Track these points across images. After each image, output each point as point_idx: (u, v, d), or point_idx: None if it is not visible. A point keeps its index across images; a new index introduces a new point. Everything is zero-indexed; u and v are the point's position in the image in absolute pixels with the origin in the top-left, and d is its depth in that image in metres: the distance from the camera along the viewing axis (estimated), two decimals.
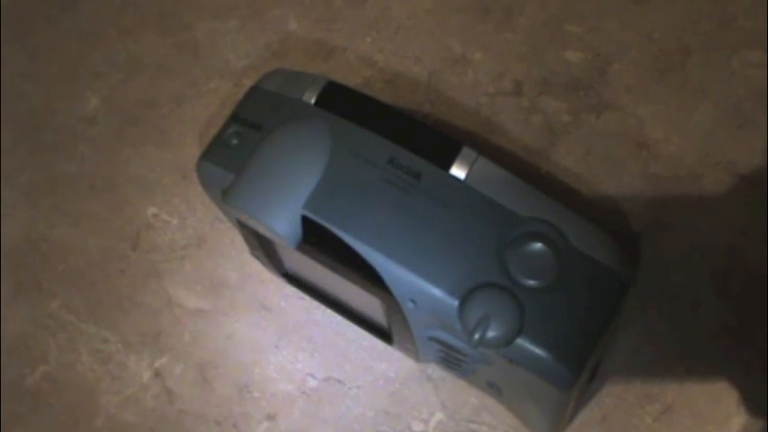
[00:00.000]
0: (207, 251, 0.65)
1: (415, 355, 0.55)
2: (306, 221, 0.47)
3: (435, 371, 0.59)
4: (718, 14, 0.68)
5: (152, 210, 0.66)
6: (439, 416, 0.58)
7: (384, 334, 0.56)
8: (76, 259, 0.66)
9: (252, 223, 0.49)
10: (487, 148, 0.64)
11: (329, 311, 0.60)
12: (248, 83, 0.57)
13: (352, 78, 0.68)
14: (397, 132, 0.48)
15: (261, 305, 0.63)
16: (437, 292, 0.45)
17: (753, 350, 0.58)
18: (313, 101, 0.50)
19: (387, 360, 0.60)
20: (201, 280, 0.64)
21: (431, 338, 0.49)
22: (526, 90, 0.66)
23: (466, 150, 0.47)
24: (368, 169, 0.47)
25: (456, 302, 0.45)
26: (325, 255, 0.47)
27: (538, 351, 0.44)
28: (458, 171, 0.47)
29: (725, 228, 0.61)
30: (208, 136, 0.64)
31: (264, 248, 0.54)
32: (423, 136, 0.48)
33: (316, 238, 0.47)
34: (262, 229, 0.49)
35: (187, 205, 0.66)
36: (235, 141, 0.50)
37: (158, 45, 0.73)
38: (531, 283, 0.45)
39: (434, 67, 0.68)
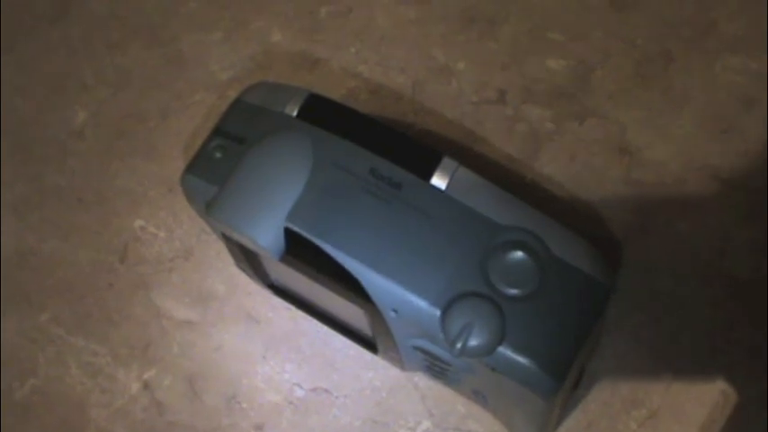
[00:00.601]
0: (194, 263, 0.65)
1: (401, 364, 0.56)
2: (289, 233, 0.47)
3: (422, 379, 0.59)
4: (700, 20, 0.68)
5: (139, 222, 0.67)
6: (426, 424, 0.59)
7: (369, 344, 0.56)
8: (65, 272, 0.66)
9: (235, 236, 0.49)
10: (472, 157, 0.65)
11: (316, 321, 0.60)
12: (233, 94, 0.57)
13: (336, 89, 0.68)
14: (379, 143, 0.48)
15: (248, 316, 0.63)
16: (419, 301, 0.45)
17: (738, 354, 0.58)
18: (295, 113, 0.50)
19: (373, 369, 0.60)
20: (189, 292, 0.64)
21: (415, 348, 0.49)
22: (510, 98, 0.67)
23: (446, 160, 0.48)
24: (349, 180, 0.47)
25: (438, 312, 0.45)
26: (309, 266, 0.48)
27: (520, 359, 0.44)
28: (438, 181, 0.47)
29: (709, 232, 0.62)
30: (193, 148, 0.64)
31: (249, 260, 0.55)
32: (404, 147, 0.49)
33: (299, 250, 0.47)
34: (245, 242, 0.49)
35: (174, 218, 0.66)
36: (218, 154, 0.51)
37: (145, 58, 0.73)
38: (513, 291, 0.45)
39: (418, 77, 0.68)
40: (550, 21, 0.69)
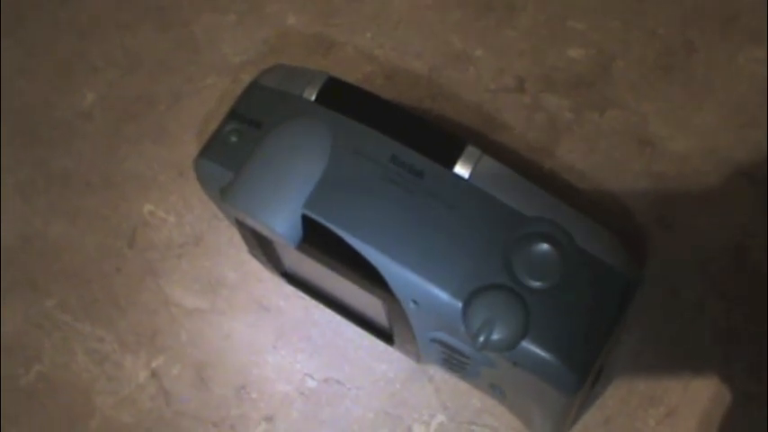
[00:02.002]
0: (204, 249, 0.64)
1: (416, 356, 0.54)
2: (306, 221, 0.46)
3: (437, 372, 0.58)
4: (722, 10, 0.67)
5: (149, 207, 0.66)
6: (440, 418, 0.58)
7: (385, 335, 0.55)
8: (72, 257, 0.65)
9: (251, 222, 0.48)
10: (489, 145, 0.63)
11: (328, 311, 0.59)
12: (246, 78, 0.56)
13: (351, 74, 0.67)
14: (400, 130, 0.47)
15: (259, 305, 0.62)
16: (440, 293, 0.44)
17: (757, 351, 0.57)
18: (313, 97, 0.49)
19: (387, 361, 0.59)
20: (199, 279, 0.63)
21: (433, 340, 0.48)
22: (528, 87, 0.66)
23: (470, 148, 0.46)
24: (369, 167, 0.46)
25: (460, 304, 0.44)
26: (326, 254, 0.47)
27: (543, 354, 0.43)
28: (461, 170, 0.46)
29: (729, 227, 0.60)
30: (205, 133, 0.64)
31: (263, 248, 0.53)
32: (426, 133, 0.48)
33: (316, 238, 0.46)
34: (261, 229, 0.48)
35: (184, 203, 0.65)
36: (234, 139, 0.49)
37: (156, 40, 0.72)
38: (537, 284, 0.44)
39: (435, 62, 0.67)
40: (570, 9, 0.68)
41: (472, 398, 0.58)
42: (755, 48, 0.65)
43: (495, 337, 0.43)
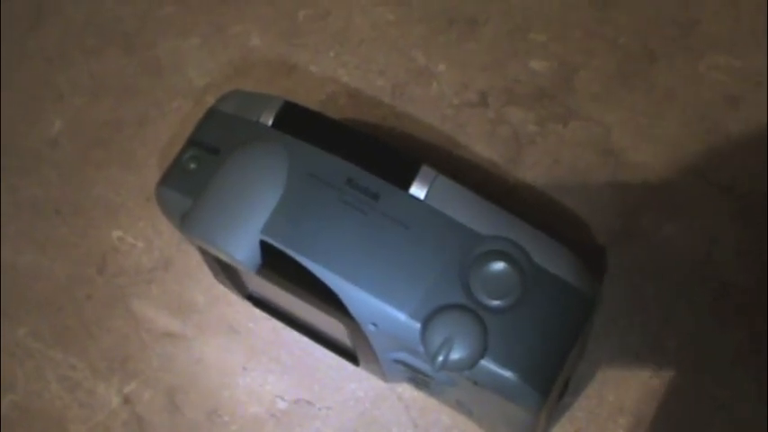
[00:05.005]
0: (173, 274, 0.64)
1: (382, 375, 0.55)
2: (264, 246, 0.46)
3: (406, 390, 0.58)
4: (683, 18, 0.67)
5: (117, 233, 0.66)
6: None
7: (350, 355, 0.55)
8: (43, 285, 0.65)
9: (211, 249, 0.48)
10: (454, 161, 0.64)
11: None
12: (210, 101, 0.56)
13: (315, 94, 0.67)
14: (356, 152, 0.47)
15: (229, 327, 0.62)
16: (398, 314, 0.44)
17: (726, 360, 0.57)
18: (270, 122, 0.49)
19: (356, 380, 0.59)
20: (169, 303, 0.63)
21: (395, 361, 0.49)
22: (491, 101, 0.66)
23: (425, 169, 0.47)
24: (326, 191, 0.46)
25: (418, 325, 0.44)
26: (285, 279, 0.47)
27: (503, 372, 0.43)
28: (417, 190, 0.46)
29: (695, 234, 0.61)
30: (171, 157, 0.63)
31: (227, 273, 0.54)
32: (381, 155, 0.48)
33: (275, 263, 0.47)
34: (221, 255, 0.48)
35: (152, 228, 0.65)
36: (192, 166, 0.50)
37: (122, 65, 0.72)
38: (495, 303, 0.44)
39: (398, 79, 0.67)
40: (532, 21, 0.68)
41: (442, 414, 0.58)
42: (716, 55, 0.66)
43: (454, 356, 0.43)
